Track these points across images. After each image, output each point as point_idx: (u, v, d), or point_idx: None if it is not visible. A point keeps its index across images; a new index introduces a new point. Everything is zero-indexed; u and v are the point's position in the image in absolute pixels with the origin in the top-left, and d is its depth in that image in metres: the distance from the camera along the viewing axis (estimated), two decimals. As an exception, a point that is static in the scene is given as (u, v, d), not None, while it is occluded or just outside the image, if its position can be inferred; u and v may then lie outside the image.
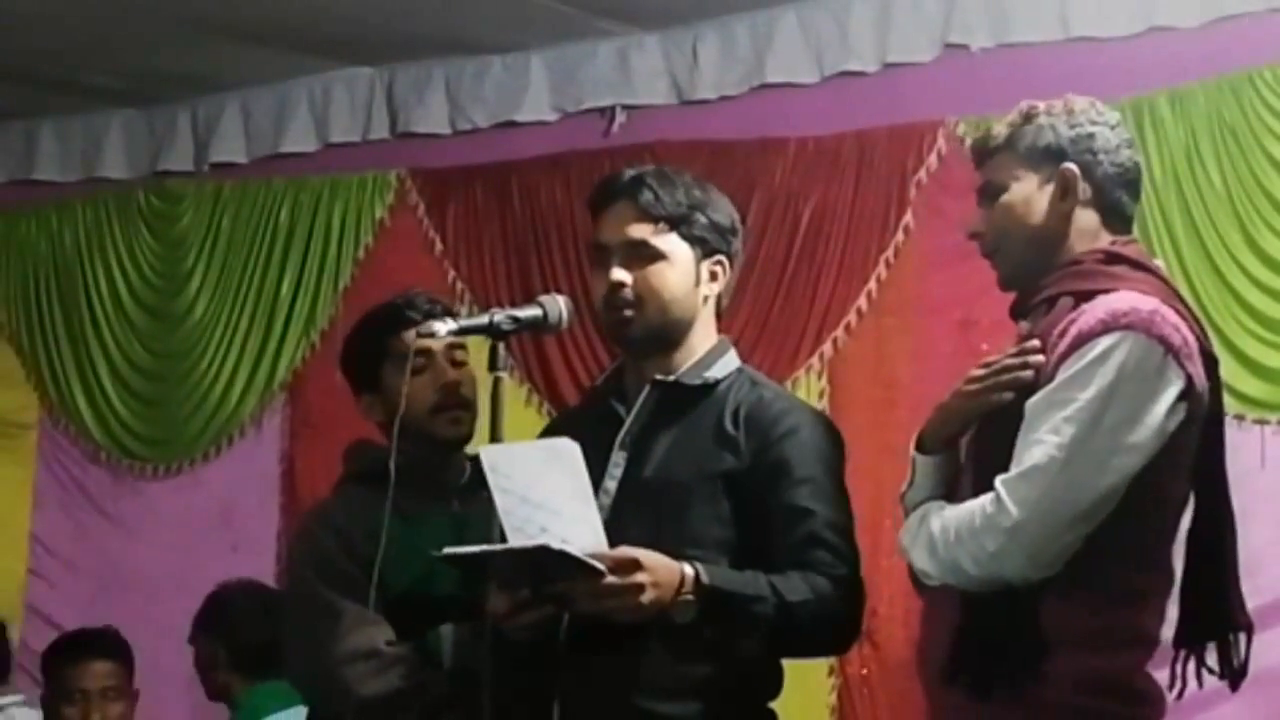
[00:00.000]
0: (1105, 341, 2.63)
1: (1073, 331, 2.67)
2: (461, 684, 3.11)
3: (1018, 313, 2.86)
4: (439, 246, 5.49)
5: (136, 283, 5.95)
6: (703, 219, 3.06)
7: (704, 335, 3.10)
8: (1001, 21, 4.70)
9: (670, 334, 3.06)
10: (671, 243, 3.05)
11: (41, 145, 6.08)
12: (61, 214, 6.06)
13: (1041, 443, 2.62)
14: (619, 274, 3.04)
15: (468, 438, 3.38)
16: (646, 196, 3.04)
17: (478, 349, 3.23)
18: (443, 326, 3.10)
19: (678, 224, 3.05)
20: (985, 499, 2.64)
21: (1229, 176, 4.40)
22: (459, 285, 5.41)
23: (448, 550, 2.90)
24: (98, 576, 5.84)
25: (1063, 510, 2.60)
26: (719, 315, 3.15)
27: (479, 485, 3.32)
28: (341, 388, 3.56)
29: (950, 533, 2.67)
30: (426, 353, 3.32)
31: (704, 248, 3.07)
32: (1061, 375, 2.65)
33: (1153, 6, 4.52)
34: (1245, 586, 4.01)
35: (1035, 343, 2.72)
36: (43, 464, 6.01)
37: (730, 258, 3.11)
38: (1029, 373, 2.69)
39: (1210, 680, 2.87)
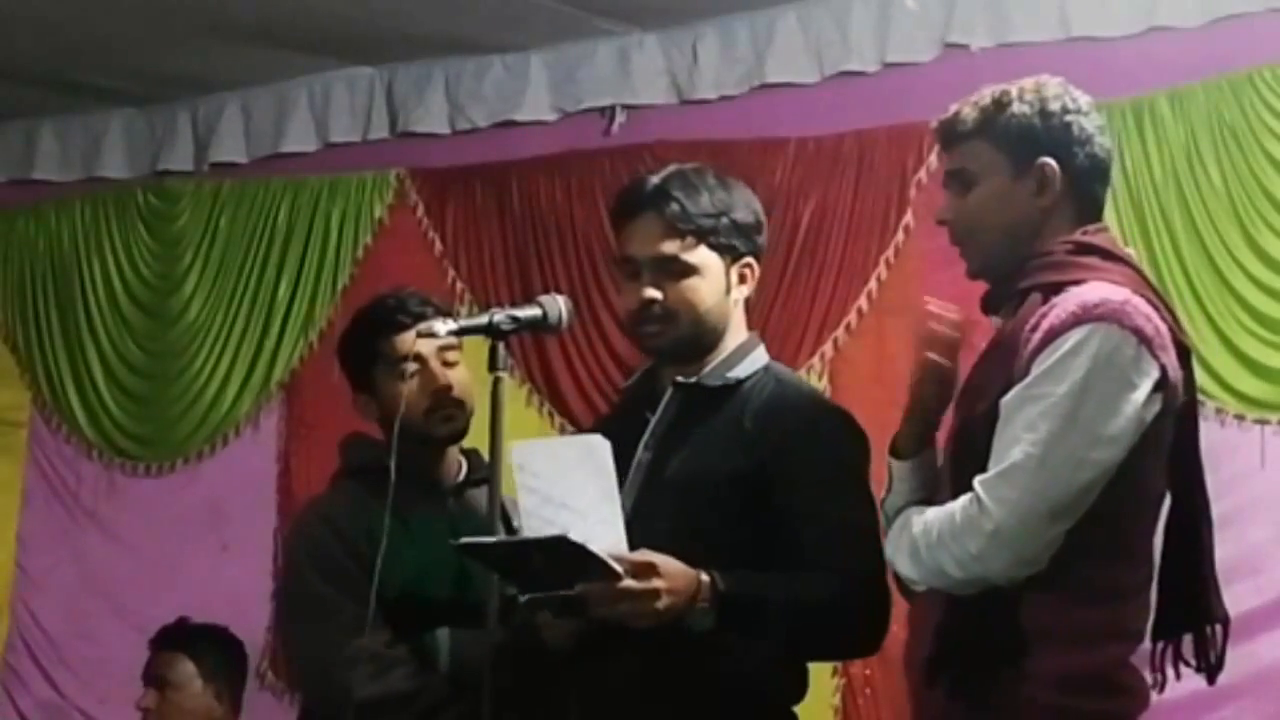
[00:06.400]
0: (1077, 334, 2.60)
1: (1044, 326, 2.63)
2: (460, 687, 3.11)
3: (990, 306, 2.85)
4: (438, 246, 5.48)
5: (133, 281, 5.94)
6: (728, 223, 3.04)
7: (733, 335, 3.09)
8: (1001, 21, 4.69)
9: (704, 342, 3.05)
10: (701, 255, 3.02)
11: (41, 145, 6.06)
12: (60, 213, 6.05)
13: (1018, 440, 2.59)
14: (651, 291, 3.01)
15: (462, 434, 3.39)
16: (674, 209, 3.00)
17: (478, 349, 3.23)
18: (443, 326, 3.09)
19: (706, 235, 3.02)
20: (963, 500, 2.62)
21: (1229, 176, 4.40)
22: (458, 285, 5.40)
23: (465, 540, 2.89)
24: (86, 574, 5.82)
25: (1043, 507, 2.57)
26: (747, 311, 3.14)
27: (474, 485, 3.34)
28: (339, 388, 3.57)
29: (932, 535, 2.64)
30: (418, 356, 3.32)
31: (733, 254, 3.05)
32: (1035, 371, 2.62)
33: (1153, 6, 4.52)
34: (1246, 586, 4.05)
35: (949, 306, 2.82)
36: (32, 462, 5.99)
37: (757, 255, 3.10)
38: (944, 329, 2.78)
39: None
